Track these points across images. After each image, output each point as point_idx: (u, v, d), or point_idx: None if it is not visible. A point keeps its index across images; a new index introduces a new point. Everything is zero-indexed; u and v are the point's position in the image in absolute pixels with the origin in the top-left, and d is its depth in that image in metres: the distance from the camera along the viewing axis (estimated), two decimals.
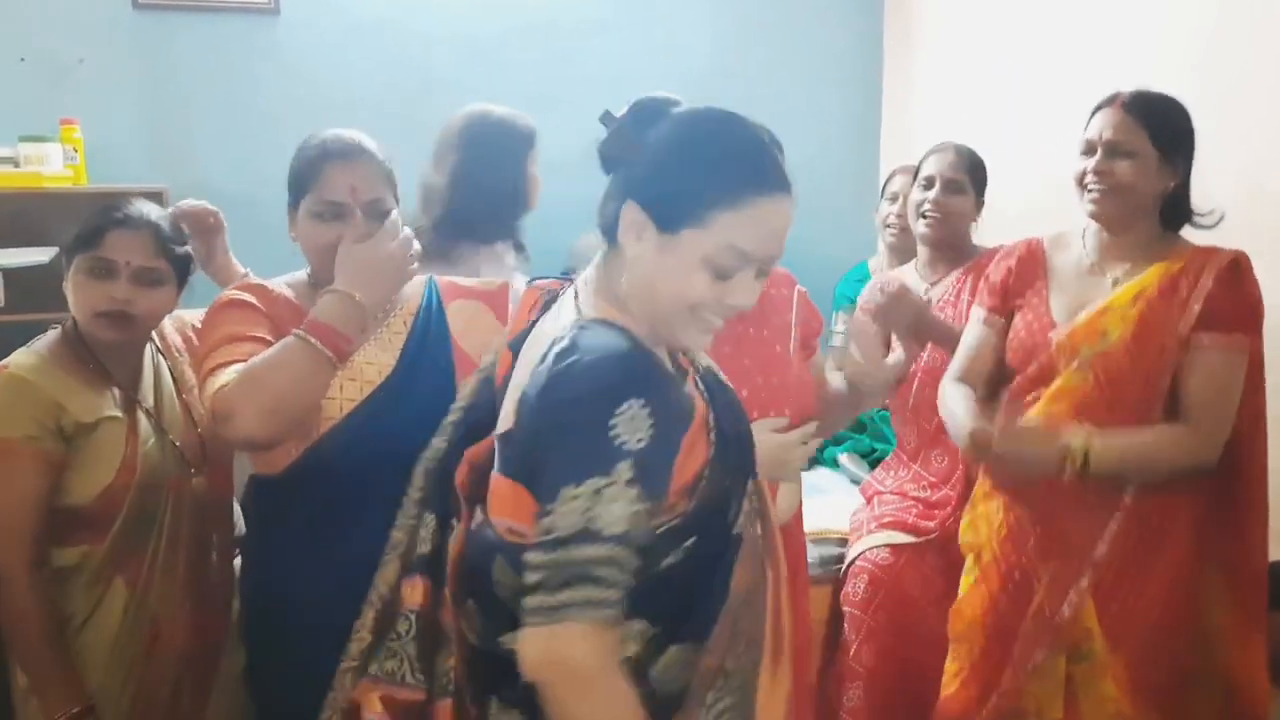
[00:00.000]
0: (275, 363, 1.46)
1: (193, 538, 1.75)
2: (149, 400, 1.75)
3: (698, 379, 1.24)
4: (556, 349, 1.12)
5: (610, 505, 1.02)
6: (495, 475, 1.22)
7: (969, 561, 1.97)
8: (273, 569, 1.64)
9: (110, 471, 1.64)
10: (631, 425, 1.03)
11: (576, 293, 1.22)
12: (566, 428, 1.07)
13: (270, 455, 1.59)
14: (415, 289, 1.73)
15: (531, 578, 1.04)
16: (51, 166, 2.88)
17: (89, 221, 1.68)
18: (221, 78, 3.23)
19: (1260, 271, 1.78)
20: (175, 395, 1.80)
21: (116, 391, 1.70)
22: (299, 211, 1.63)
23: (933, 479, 2.32)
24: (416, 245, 1.65)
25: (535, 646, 1.03)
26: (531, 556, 1.04)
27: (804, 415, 1.69)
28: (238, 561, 1.85)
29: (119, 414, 1.68)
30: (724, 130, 1.14)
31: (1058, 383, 1.81)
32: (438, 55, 3.38)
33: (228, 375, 1.46)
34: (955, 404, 1.94)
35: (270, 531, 1.66)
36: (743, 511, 1.21)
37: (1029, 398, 1.86)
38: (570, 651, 1.02)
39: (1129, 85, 1.83)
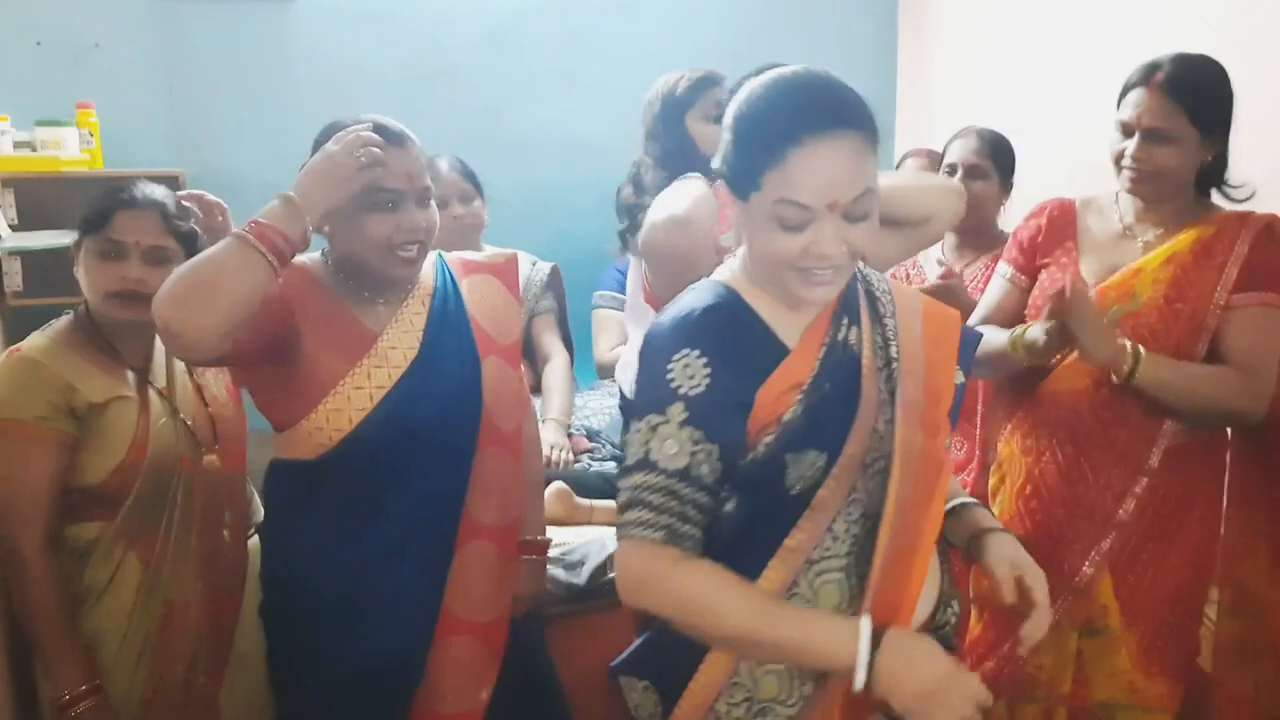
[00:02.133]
0: (202, 256, 1.43)
1: (205, 516, 1.76)
2: (161, 381, 1.76)
3: (826, 349, 1.25)
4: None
5: (664, 441, 1.15)
6: None
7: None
8: (299, 553, 1.63)
9: (122, 450, 1.65)
10: (686, 372, 1.16)
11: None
12: (640, 370, 1.23)
13: (300, 442, 1.58)
14: (428, 268, 1.72)
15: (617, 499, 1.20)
16: (68, 151, 2.89)
17: (96, 205, 1.69)
18: (237, 61, 3.22)
19: None
20: (187, 376, 1.81)
21: (128, 372, 1.71)
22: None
23: None
24: (372, 150, 1.52)
25: (616, 559, 1.19)
26: (617, 480, 1.21)
27: None
28: (252, 543, 1.85)
29: (131, 394, 1.69)
30: (761, 95, 1.20)
31: None
32: (454, 36, 3.37)
33: None
34: (989, 334, 1.85)
35: (296, 516, 1.64)
36: (810, 480, 1.21)
37: (1054, 359, 1.83)
38: (627, 563, 1.16)
39: (1160, 48, 1.77)
